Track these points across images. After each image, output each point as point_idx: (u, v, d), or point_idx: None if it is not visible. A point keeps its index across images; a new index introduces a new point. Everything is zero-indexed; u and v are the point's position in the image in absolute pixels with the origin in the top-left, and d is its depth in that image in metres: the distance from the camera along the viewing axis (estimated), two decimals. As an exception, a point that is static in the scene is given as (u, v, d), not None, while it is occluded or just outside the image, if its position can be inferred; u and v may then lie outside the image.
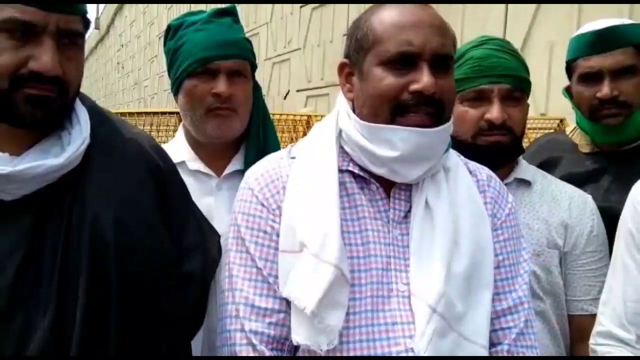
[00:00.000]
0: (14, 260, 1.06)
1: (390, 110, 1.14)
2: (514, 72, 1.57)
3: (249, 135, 1.62)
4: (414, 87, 1.12)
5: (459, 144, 1.48)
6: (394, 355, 1.10)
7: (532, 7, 4.75)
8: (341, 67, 1.25)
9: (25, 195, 1.08)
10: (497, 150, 1.55)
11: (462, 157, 1.31)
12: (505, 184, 1.57)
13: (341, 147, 1.22)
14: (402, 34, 1.13)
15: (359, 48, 1.19)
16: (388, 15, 1.16)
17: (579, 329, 1.55)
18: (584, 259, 1.58)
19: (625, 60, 1.65)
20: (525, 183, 1.63)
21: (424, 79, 1.11)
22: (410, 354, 1.09)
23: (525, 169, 1.65)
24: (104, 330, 1.07)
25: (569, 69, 1.78)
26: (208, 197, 1.57)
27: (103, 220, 1.10)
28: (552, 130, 3.35)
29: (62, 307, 1.06)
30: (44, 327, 1.04)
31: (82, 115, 1.15)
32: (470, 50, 1.60)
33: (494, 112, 1.54)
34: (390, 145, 1.13)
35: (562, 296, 1.58)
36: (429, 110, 1.13)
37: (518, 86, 1.58)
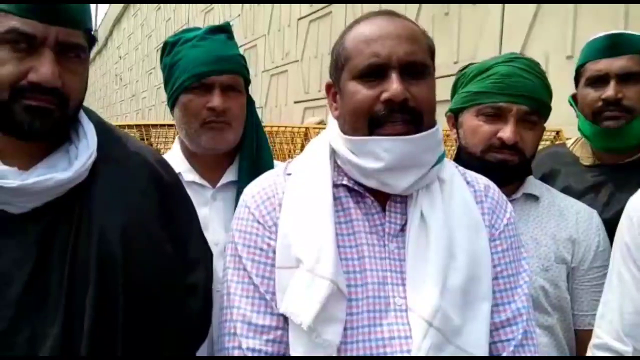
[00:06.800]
0: (23, 272, 1.07)
1: (367, 124, 1.15)
2: (535, 94, 1.56)
3: (242, 147, 1.65)
4: (384, 96, 1.13)
5: (468, 156, 1.47)
6: None
7: (528, 18, 4.77)
8: (328, 88, 1.27)
9: (34, 208, 1.10)
10: (505, 168, 1.54)
11: (460, 168, 1.31)
12: (513, 199, 1.58)
13: (336, 163, 1.23)
14: (369, 47, 1.15)
15: (335, 67, 1.23)
16: (358, 31, 1.19)
17: (585, 343, 1.53)
18: (591, 274, 1.57)
19: (633, 66, 1.68)
20: (533, 198, 1.63)
21: (392, 87, 1.12)
22: None
23: (533, 184, 1.66)
24: (111, 342, 1.08)
25: (578, 75, 1.80)
26: (203, 208, 1.59)
27: (110, 232, 1.11)
28: (548, 142, 3.36)
29: (69, 318, 1.06)
30: (52, 338, 1.05)
31: (89, 129, 1.17)
32: (497, 66, 1.59)
33: (508, 132, 1.52)
34: (375, 156, 1.14)
35: (569, 311, 1.57)
36: (404, 117, 1.14)
37: (537, 109, 1.56)
